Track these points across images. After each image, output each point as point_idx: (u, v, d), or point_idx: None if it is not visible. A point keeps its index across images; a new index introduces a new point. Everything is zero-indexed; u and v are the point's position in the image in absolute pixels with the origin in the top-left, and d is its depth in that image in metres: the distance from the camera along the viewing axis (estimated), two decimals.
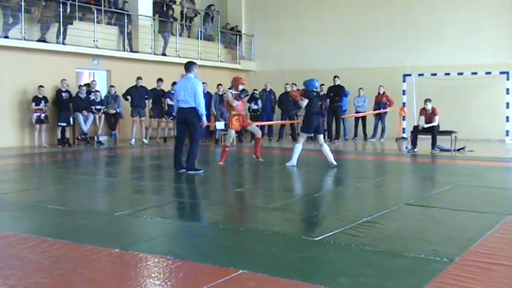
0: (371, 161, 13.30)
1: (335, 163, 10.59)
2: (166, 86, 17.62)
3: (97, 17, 17.32)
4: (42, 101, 15.22)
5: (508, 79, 17.39)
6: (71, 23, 16.61)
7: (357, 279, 3.91)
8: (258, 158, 11.56)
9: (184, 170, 9.80)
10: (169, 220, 5.92)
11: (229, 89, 11.58)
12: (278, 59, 22.11)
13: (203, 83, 18.49)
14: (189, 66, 10.05)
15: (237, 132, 11.81)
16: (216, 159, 14.10)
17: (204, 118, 10.04)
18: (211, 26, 22.65)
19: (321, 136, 10.88)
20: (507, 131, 17.44)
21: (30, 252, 4.60)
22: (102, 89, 17.53)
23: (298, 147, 10.72)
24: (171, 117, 17.60)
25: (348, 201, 7.78)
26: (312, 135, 11.89)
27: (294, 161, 10.65)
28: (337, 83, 17.97)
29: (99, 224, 5.79)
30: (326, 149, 10.74)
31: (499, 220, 5.77)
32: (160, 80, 17.38)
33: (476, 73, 17.72)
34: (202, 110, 9.84)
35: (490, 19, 18.39)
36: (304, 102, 10.64)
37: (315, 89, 10.76)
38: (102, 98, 16.73)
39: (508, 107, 17.42)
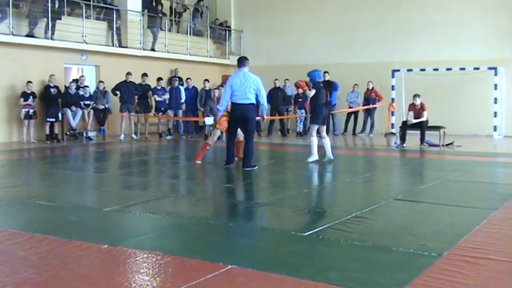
0: (360, 156, 13.34)
1: (332, 157, 10.58)
2: (152, 81, 17.57)
3: (86, 12, 17.21)
4: (31, 97, 15.12)
5: (496, 75, 17.47)
6: (60, 18, 16.50)
7: (345, 274, 3.93)
8: (238, 157, 11.01)
9: (232, 165, 9.80)
10: (158, 216, 5.91)
11: (221, 86, 11.53)
12: (267, 54, 22.09)
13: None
14: (243, 60, 9.72)
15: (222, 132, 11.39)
16: (206, 154, 14.11)
17: (265, 112, 10.09)
18: (201, 22, 22.60)
19: (324, 127, 10.84)
20: (495, 126, 17.53)
21: (19, 248, 4.58)
22: (90, 84, 17.44)
23: (314, 140, 10.56)
24: (160, 113, 17.57)
25: (337, 197, 7.80)
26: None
27: (315, 155, 10.49)
28: (326, 78, 17.95)
29: (88, 220, 5.77)
30: (327, 142, 10.70)
31: (487, 215, 5.81)
32: (145, 75, 17.32)
33: (464, 69, 17.81)
34: (266, 105, 9.77)
35: (478, 15, 18.46)
36: (312, 92, 10.51)
37: (320, 80, 10.68)
38: (91, 93, 16.65)
39: (495, 103, 17.51)
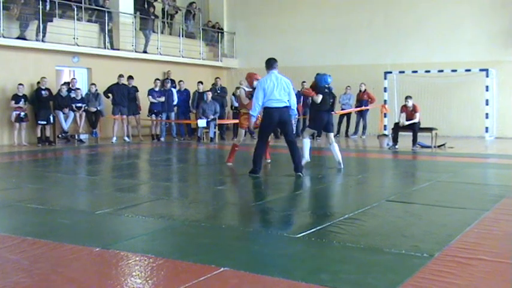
0: (353, 158, 13.35)
1: (341, 165, 10.18)
2: (144, 84, 17.51)
3: (77, 14, 17.17)
4: (22, 99, 15.06)
5: (487, 76, 17.56)
6: (51, 20, 16.45)
7: (337, 276, 3.93)
8: (265, 159, 10.71)
9: (258, 175, 9.17)
10: (150, 218, 5.89)
11: (241, 85, 11.28)
12: (260, 56, 21.86)
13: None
14: (272, 63, 9.21)
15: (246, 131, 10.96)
16: (198, 156, 14.13)
17: (295, 117, 9.58)
18: (193, 24, 22.58)
19: (332, 134, 10.50)
20: (486, 128, 17.61)
21: (10, 251, 4.56)
22: (82, 86, 17.40)
23: (306, 142, 10.31)
24: (153, 115, 17.54)
25: (329, 198, 7.82)
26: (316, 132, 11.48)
27: (306, 157, 10.21)
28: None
29: (80, 223, 5.75)
30: (335, 148, 10.29)
31: (478, 216, 5.83)
32: (130, 77, 17.23)
33: (456, 70, 17.89)
34: (295, 109, 9.26)
35: (469, 18, 18.58)
36: (319, 97, 10.08)
37: (326, 85, 10.37)
38: (83, 95, 16.60)
39: (487, 104, 17.59)
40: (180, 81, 18.64)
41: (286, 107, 8.97)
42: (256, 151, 9.24)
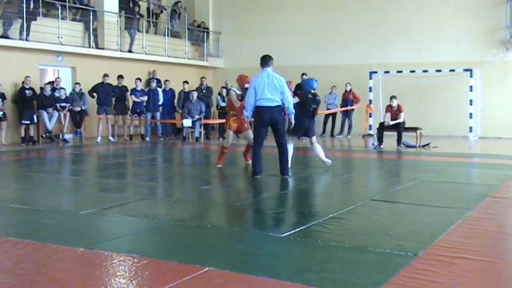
0: (338, 158, 13.37)
1: (328, 162, 10.19)
2: (129, 83, 17.46)
3: (61, 13, 17.07)
4: (0, 99, 14.88)
5: (471, 76, 17.70)
6: (35, 19, 16.33)
7: (322, 275, 3.94)
8: (247, 161, 10.69)
9: (259, 176, 8.82)
10: (135, 218, 5.87)
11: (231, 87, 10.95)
12: (245, 56, 22.05)
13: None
14: (267, 60, 8.91)
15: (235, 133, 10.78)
16: (183, 156, 14.10)
17: (292, 116, 9.02)
18: (178, 23, 22.53)
19: (313, 138, 10.30)
20: (470, 128, 17.75)
21: None
22: (67, 86, 17.28)
23: (289, 148, 9.83)
24: (136, 115, 17.46)
25: (314, 198, 7.83)
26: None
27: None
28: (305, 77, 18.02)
29: (64, 223, 5.72)
30: (318, 148, 10.25)
31: (462, 215, 5.87)
32: (121, 76, 17.21)
33: (440, 71, 18.02)
34: (292, 108, 8.86)
35: (453, 18, 18.71)
36: (294, 99, 9.95)
37: (312, 90, 10.23)
38: (67, 95, 16.50)
39: (471, 104, 17.73)
40: (166, 80, 18.57)
41: (278, 106, 8.71)
42: (253, 153, 9.01)
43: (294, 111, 8.92)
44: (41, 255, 4.44)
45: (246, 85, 9.82)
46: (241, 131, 10.72)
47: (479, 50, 18.32)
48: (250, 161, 10.22)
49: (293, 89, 18.40)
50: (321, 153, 10.29)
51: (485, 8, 18.32)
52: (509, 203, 6.98)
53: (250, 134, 10.26)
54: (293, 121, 9.07)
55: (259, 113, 8.76)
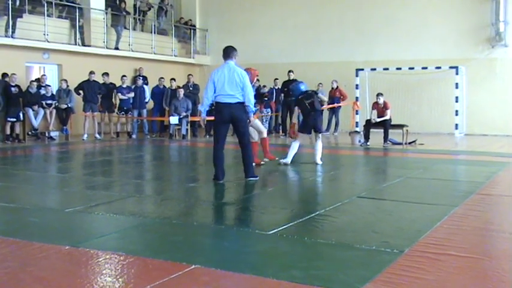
0: (325, 155, 13.35)
1: (320, 163, 10.19)
2: (116, 80, 17.39)
3: (48, 10, 16.96)
4: None
5: (457, 74, 17.80)
6: (21, 16, 16.23)
7: (309, 272, 3.94)
8: (270, 159, 10.28)
9: (221, 181, 8.22)
10: (121, 216, 5.84)
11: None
12: None
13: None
14: (230, 52, 8.28)
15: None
16: (170, 153, 14.05)
17: (252, 114, 8.48)
18: (165, 20, 22.47)
19: (319, 134, 10.32)
20: (456, 125, 17.86)
21: None
22: (53, 83, 17.18)
23: (294, 146, 10.18)
24: (122, 112, 17.39)
25: (301, 195, 7.84)
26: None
27: (289, 159, 10.13)
28: (291, 77, 18.07)
29: (49, 221, 5.68)
30: (318, 146, 10.29)
31: (448, 211, 5.90)
32: (106, 74, 17.11)
33: (426, 68, 18.12)
34: (252, 106, 8.26)
35: (439, 15, 18.81)
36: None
37: (302, 92, 10.16)
38: (53, 92, 16.40)
39: (457, 101, 17.83)
40: (161, 78, 18.52)
41: (238, 103, 8.07)
42: (214, 155, 8.32)
43: (254, 109, 8.49)
44: (26, 253, 4.40)
45: (255, 79, 9.63)
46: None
47: (465, 48, 18.44)
48: (270, 159, 10.30)
49: (280, 87, 18.49)
50: (319, 153, 10.27)
51: (471, 6, 18.42)
52: (495, 199, 7.03)
53: (259, 124, 10.04)
54: (252, 120, 8.65)
55: (219, 110, 8.14)
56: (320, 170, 9.77)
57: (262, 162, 10.07)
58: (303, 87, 10.32)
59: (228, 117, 8.10)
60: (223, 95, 8.04)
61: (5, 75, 15.25)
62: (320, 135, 10.40)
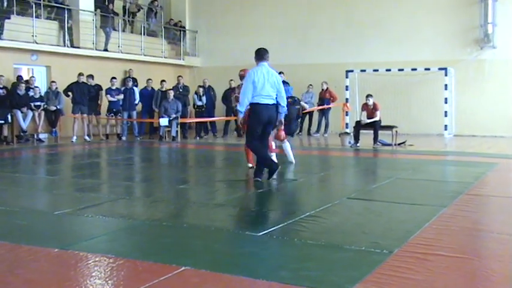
0: (315, 156, 13.44)
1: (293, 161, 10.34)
2: (105, 82, 17.31)
3: (36, 12, 16.87)
4: None
5: (446, 75, 17.88)
6: (9, 18, 16.14)
7: (299, 273, 3.94)
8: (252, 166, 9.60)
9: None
10: (111, 218, 5.82)
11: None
12: (222, 54, 22.08)
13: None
14: (264, 53, 8.31)
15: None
16: (160, 155, 14.01)
17: (283, 116, 8.55)
18: (155, 22, 22.42)
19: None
20: (445, 126, 17.94)
21: None
22: (41, 85, 17.10)
23: (288, 146, 10.35)
24: (112, 114, 17.33)
25: (291, 196, 7.84)
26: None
27: (292, 157, 10.37)
28: (282, 78, 18.03)
29: (38, 224, 5.65)
30: (288, 146, 10.44)
31: (436, 212, 5.93)
32: (90, 76, 16.98)
33: (416, 69, 18.19)
34: (285, 107, 8.39)
35: (428, 17, 18.89)
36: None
37: (289, 97, 10.02)
38: (42, 94, 16.32)
39: (446, 103, 17.90)
40: (149, 79, 18.50)
41: (274, 104, 8.20)
42: (256, 152, 8.39)
43: (286, 110, 8.53)
44: (14, 256, 4.38)
45: None
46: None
47: (454, 49, 18.53)
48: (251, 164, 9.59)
49: None
50: (291, 152, 10.35)
51: (460, 8, 18.52)
52: (483, 200, 7.08)
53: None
54: (283, 121, 8.72)
55: (258, 111, 8.12)
56: (310, 171, 9.79)
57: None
58: (291, 91, 10.37)
59: (266, 119, 8.18)
60: (263, 96, 8.08)
61: None
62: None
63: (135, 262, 4.20)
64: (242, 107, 8.23)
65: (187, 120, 18.47)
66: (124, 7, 21.16)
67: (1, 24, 15.72)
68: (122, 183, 8.74)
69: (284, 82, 17.70)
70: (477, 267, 4.18)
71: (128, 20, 21.48)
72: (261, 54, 8.33)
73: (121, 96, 17.29)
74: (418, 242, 4.74)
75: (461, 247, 4.67)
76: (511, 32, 17.97)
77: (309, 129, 19.20)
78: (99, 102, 17.33)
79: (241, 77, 9.42)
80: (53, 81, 16.62)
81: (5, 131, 15.36)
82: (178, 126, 17.25)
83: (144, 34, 20.84)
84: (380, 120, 14.38)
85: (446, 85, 17.92)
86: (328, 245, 4.69)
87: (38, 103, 15.99)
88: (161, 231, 5.30)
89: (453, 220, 5.62)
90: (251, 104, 8.16)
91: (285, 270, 4.00)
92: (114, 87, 17.34)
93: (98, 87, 17.26)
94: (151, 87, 18.46)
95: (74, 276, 3.96)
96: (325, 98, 18.84)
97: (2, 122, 15.11)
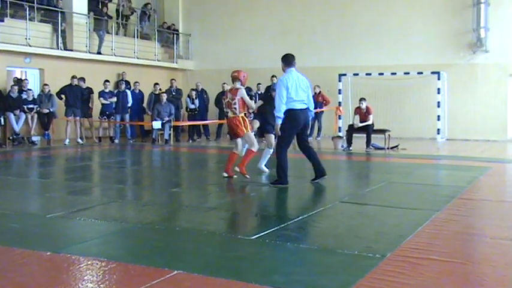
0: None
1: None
2: (98, 85, 17.25)
3: (29, 14, 16.82)
4: None
5: (439, 79, 17.94)
6: (2, 20, 16.10)
7: (291, 277, 3.94)
8: (243, 174, 9.05)
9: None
10: (103, 221, 5.81)
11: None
12: (215, 58, 22.08)
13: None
14: (292, 59, 8.41)
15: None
16: (153, 158, 13.99)
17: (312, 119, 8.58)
18: (148, 25, 22.39)
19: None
20: (438, 130, 17.98)
21: None
22: (34, 88, 17.04)
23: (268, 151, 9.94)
24: (105, 117, 17.28)
25: (284, 200, 7.82)
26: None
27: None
28: (274, 82, 18.08)
29: (30, 227, 5.63)
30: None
31: (429, 216, 5.94)
32: (82, 79, 16.90)
33: (408, 73, 18.24)
34: (313, 111, 8.55)
35: (421, 21, 18.94)
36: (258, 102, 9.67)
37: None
38: (35, 97, 16.27)
39: (439, 106, 17.95)
40: (136, 82, 18.47)
41: (307, 108, 8.34)
42: (280, 160, 8.29)
43: (313, 114, 8.53)
44: (6, 259, 4.36)
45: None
46: (239, 135, 9.15)
47: (447, 53, 18.59)
48: (242, 173, 9.00)
49: (263, 92, 18.50)
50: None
51: (453, 12, 18.59)
52: (476, 204, 7.10)
53: (251, 136, 9.27)
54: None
55: (294, 117, 8.14)
56: (303, 175, 9.78)
57: (234, 176, 9.09)
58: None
59: (302, 123, 8.28)
60: (298, 101, 8.14)
61: None
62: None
63: (127, 266, 4.20)
64: (281, 113, 8.09)
65: (180, 123, 18.44)
66: (117, 10, 21.12)
67: None
68: (114, 186, 8.72)
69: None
70: (470, 271, 4.19)
71: (121, 23, 21.45)
72: (289, 60, 8.39)
73: (114, 99, 17.25)
74: (410, 246, 4.74)
75: (454, 251, 4.68)
76: (504, 36, 18.05)
77: None
78: (90, 105, 17.27)
79: (234, 79, 9.20)
80: (46, 84, 16.57)
81: None
82: (171, 129, 17.23)
83: (137, 37, 20.81)
84: (373, 124, 14.41)
85: (439, 89, 17.97)
86: (321, 249, 4.70)
87: (31, 106, 15.93)
88: (153, 234, 5.29)
89: (446, 224, 5.64)
90: (286, 110, 8.08)
91: (277, 274, 4.00)
92: (107, 90, 17.29)
93: (89, 90, 17.21)
94: (139, 90, 18.40)
95: (66, 279, 3.95)
96: (317, 101, 18.80)
97: None
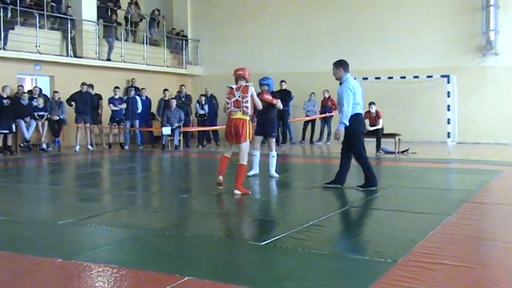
0: (317, 164, 13.42)
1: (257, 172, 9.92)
2: (108, 91, 17.31)
3: (39, 22, 16.94)
4: None
5: (448, 82, 17.87)
6: (13, 28, 16.22)
7: (302, 283, 3.93)
8: (245, 194, 8.01)
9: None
10: (114, 228, 5.82)
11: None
12: (224, 63, 22.05)
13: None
14: (348, 65, 8.39)
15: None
16: (163, 164, 14.02)
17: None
18: (157, 31, 22.49)
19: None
20: (448, 133, 17.91)
21: None
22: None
23: (258, 154, 9.91)
24: (115, 123, 17.34)
25: (294, 205, 7.82)
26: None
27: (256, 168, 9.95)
28: (283, 87, 18.11)
29: (42, 234, 5.65)
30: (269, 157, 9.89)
31: (440, 220, 5.90)
32: (90, 86, 16.98)
33: (418, 77, 18.18)
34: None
35: (430, 25, 18.88)
36: (279, 102, 9.71)
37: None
38: (45, 104, 16.34)
39: (449, 110, 17.89)
40: (142, 88, 18.52)
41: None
42: (365, 164, 8.56)
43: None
44: (18, 266, 4.38)
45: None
46: (240, 140, 8.13)
47: (456, 56, 18.52)
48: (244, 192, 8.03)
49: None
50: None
51: (462, 15, 18.53)
52: (487, 208, 7.05)
53: (247, 150, 8.28)
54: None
55: (361, 119, 8.43)
56: (313, 179, 9.77)
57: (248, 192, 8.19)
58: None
59: (364, 127, 8.48)
60: (360, 106, 8.31)
61: None
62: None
63: (138, 272, 4.20)
64: (347, 119, 8.12)
65: (190, 129, 18.49)
66: (126, 17, 21.22)
67: (5, 35, 15.78)
68: (124, 192, 8.74)
69: (286, 91, 17.89)
70: (482, 276, 4.16)
71: (131, 30, 21.55)
72: (345, 66, 8.36)
73: (124, 106, 17.31)
74: (422, 251, 4.72)
75: (465, 256, 4.65)
76: None
77: (311, 138, 19.20)
78: (99, 111, 17.35)
79: (239, 77, 8.35)
80: (56, 91, 16.66)
81: (9, 141, 15.37)
82: (181, 135, 17.26)
83: (146, 43, 20.91)
84: (382, 128, 14.37)
85: (448, 92, 17.91)
86: (332, 254, 4.68)
87: (42, 113, 16.02)
88: (164, 240, 5.30)
89: (457, 229, 5.60)
90: (353, 115, 8.12)
91: (288, 280, 3.98)
92: (117, 97, 17.36)
93: (99, 97, 17.28)
94: (146, 96, 18.45)
95: (77, 286, 3.96)
96: (327, 106, 18.84)
97: (6, 131, 15.13)
